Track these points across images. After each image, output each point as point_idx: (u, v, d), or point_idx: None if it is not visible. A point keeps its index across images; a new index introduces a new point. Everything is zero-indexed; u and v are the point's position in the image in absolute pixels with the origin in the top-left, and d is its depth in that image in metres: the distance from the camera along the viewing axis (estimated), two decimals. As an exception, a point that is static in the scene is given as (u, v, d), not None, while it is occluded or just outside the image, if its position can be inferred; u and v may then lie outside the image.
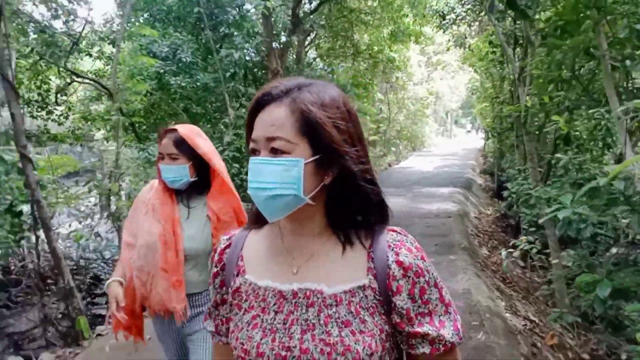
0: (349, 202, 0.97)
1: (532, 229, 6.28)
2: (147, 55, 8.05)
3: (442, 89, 33.57)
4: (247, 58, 9.17)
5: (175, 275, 1.92)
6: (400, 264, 0.92)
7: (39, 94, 9.34)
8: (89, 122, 9.25)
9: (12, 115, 3.18)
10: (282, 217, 0.95)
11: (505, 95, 10.31)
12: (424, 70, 27.87)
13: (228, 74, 7.83)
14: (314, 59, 16.37)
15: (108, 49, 9.11)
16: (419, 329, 0.91)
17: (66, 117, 9.61)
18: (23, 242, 4.93)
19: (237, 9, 7.81)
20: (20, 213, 3.61)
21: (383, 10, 14.75)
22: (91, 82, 7.92)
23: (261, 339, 0.94)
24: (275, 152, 0.91)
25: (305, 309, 0.94)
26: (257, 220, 1.05)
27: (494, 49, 8.59)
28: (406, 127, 26.11)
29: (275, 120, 0.92)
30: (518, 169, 7.77)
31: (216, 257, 1.07)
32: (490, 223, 9.15)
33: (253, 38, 8.41)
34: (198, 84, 9.12)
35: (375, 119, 21.25)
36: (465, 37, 13.73)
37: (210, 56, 9.85)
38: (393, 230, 0.98)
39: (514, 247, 4.74)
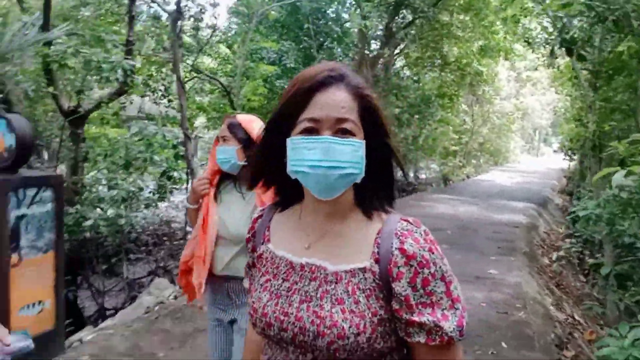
0: (380, 182, 1.04)
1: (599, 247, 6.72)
2: (255, 60, 9.29)
3: (531, 104, 32.91)
4: (343, 67, 10.21)
5: (199, 252, 2.04)
6: (403, 251, 0.94)
7: (162, 85, 10.93)
8: (201, 111, 10.65)
9: (181, 105, 4.35)
10: (337, 196, 0.98)
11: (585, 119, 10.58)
12: (513, 86, 27.59)
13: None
14: (402, 67, 17.05)
15: (222, 50, 10.50)
16: (416, 318, 0.92)
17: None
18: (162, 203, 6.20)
19: (340, 26, 8.83)
20: (171, 177, 4.80)
21: (474, 25, 15.10)
22: (212, 79, 9.24)
23: (267, 301, 1.01)
24: (344, 133, 0.94)
25: (308, 281, 1.00)
26: (283, 203, 1.12)
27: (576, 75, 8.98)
28: (489, 140, 26.03)
29: (344, 102, 0.95)
30: (589, 189, 8.16)
31: (250, 225, 1.17)
32: (559, 239, 9.52)
33: (350, 50, 9.41)
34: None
35: (458, 130, 21.58)
36: (556, 57, 13.87)
37: (311, 62, 11.02)
38: (405, 220, 1.00)
39: (560, 249, 5.33)
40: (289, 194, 1.09)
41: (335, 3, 9.09)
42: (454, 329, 0.92)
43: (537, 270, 6.11)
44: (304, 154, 0.95)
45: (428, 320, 0.91)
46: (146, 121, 6.76)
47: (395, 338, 0.97)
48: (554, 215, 12.34)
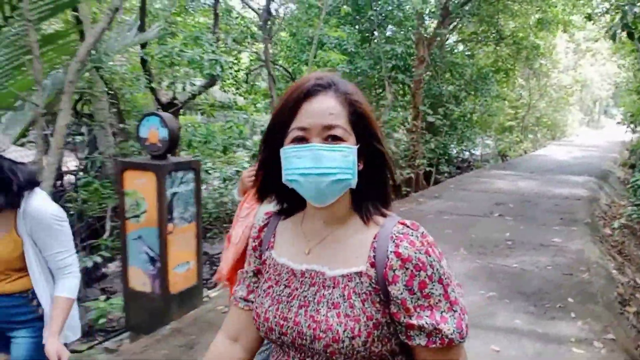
0: (375, 188, 1.05)
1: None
2: (311, 44, 9.82)
3: (591, 76, 31.81)
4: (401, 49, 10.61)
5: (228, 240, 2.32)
6: (398, 255, 0.95)
7: (230, 73, 11.70)
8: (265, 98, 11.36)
9: (271, 96, 4.99)
10: (331, 202, 0.99)
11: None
12: (572, 57, 26.81)
13: (389, 65, 9.36)
14: (455, 42, 17.07)
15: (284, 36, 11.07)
16: (415, 321, 0.93)
17: (249, 93, 11.86)
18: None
19: (401, 11, 9.25)
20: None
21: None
22: (278, 66, 9.90)
23: (269, 307, 1.03)
24: (334, 139, 0.96)
25: (307, 287, 1.01)
26: (286, 212, 1.14)
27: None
28: (546, 114, 25.57)
29: (332, 109, 0.96)
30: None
31: (255, 233, 1.17)
32: (620, 211, 9.68)
33: (408, 31, 9.81)
34: (358, 70, 10.80)
35: (514, 105, 21.41)
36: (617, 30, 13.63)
37: (368, 45, 11.48)
38: (403, 223, 1.01)
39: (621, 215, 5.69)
40: (292, 202, 1.10)
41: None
42: (453, 331, 0.93)
43: (599, 239, 6.47)
44: (294, 163, 0.97)
45: (427, 323, 0.92)
46: (236, 110, 7.52)
47: (397, 341, 0.98)
48: (615, 188, 12.36)
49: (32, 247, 1.89)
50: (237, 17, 9.84)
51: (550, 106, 25.52)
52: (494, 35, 16.11)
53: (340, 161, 0.95)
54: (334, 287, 0.98)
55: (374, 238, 0.99)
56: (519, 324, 3.72)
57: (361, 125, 0.99)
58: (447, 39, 15.82)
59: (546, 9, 15.36)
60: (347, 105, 0.98)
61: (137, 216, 3.67)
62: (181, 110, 9.33)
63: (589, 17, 12.07)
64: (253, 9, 7.38)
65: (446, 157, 14.27)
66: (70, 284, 1.93)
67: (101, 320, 4.97)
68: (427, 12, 11.09)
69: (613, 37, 5.16)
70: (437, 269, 0.94)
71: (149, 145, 3.69)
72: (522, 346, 3.38)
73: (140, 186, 3.65)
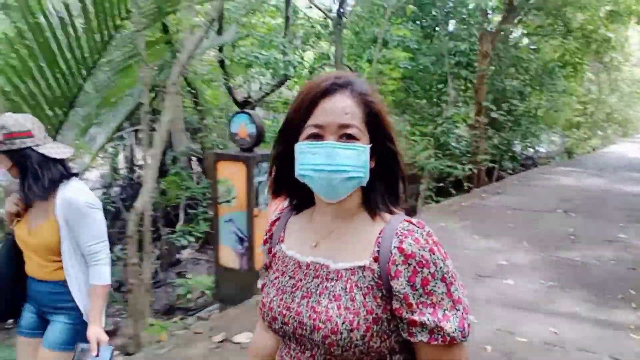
0: (386, 186, 1.07)
1: None
2: (374, 42, 10.08)
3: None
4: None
5: None
6: (401, 250, 0.96)
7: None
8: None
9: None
10: (342, 198, 1.02)
11: None
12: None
13: (453, 61, 9.51)
14: (520, 36, 16.71)
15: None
16: (417, 317, 0.94)
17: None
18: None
19: (465, 7, 9.37)
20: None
21: None
22: (344, 65, 10.27)
23: (273, 297, 1.07)
24: (348, 138, 0.98)
25: (311, 279, 1.04)
26: (298, 207, 1.16)
27: None
28: (617, 110, 24.52)
29: (348, 109, 0.98)
30: None
31: (267, 227, 1.21)
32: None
33: (472, 27, 9.91)
34: (420, 66, 11.00)
35: (582, 100, 20.72)
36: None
37: (430, 41, 11.62)
38: (408, 221, 1.02)
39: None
40: (303, 197, 1.12)
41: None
42: (455, 329, 0.93)
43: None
44: (308, 159, 0.99)
45: (429, 320, 0.93)
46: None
47: (396, 339, 0.99)
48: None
49: (67, 234, 1.99)
50: (303, 18, 10.28)
51: (622, 101, 24.46)
52: (561, 28, 15.68)
53: (354, 159, 0.97)
54: (336, 280, 1.00)
55: (380, 233, 1.01)
56: (579, 311, 3.92)
57: (375, 125, 1.01)
58: (511, 33, 15.58)
59: (617, 0, 14.81)
60: (362, 105, 1.00)
61: (228, 201, 4.17)
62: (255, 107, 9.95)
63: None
64: (324, 12, 7.77)
65: (509, 154, 14.15)
66: (100, 271, 2.02)
67: (188, 295, 5.57)
68: (490, 7, 11.10)
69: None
70: (441, 267, 0.95)
71: (239, 140, 4.17)
72: (581, 330, 3.59)
73: (231, 175, 4.15)
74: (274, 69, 6.48)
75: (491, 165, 12.11)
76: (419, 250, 0.95)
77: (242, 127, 4.13)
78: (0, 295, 2.12)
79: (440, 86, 12.46)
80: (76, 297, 2.01)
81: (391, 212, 1.05)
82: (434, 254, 0.96)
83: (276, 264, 1.13)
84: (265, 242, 1.21)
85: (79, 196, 1.98)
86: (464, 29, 9.57)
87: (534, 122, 14.47)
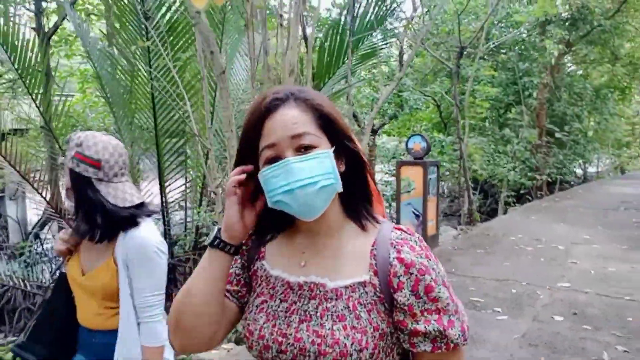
0: (359, 188, 1.04)
1: None
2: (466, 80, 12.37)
3: None
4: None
5: None
6: (401, 260, 0.94)
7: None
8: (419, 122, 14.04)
9: (457, 121, 7.64)
10: (321, 213, 0.96)
11: None
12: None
13: (526, 93, 11.74)
14: (570, 64, 18.57)
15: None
16: (422, 326, 0.92)
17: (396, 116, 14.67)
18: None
19: (536, 51, 11.62)
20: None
21: None
22: (428, 96, 12.58)
23: (263, 323, 0.99)
24: (305, 148, 0.94)
25: (307, 300, 0.98)
26: (275, 229, 1.09)
27: None
28: (666, 130, 25.84)
29: (295, 118, 0.94)
30: None
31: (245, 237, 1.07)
32: None
33: (540, 66, 12.13)
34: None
35: (632, 121, 22.33)
36: None
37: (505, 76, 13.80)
38: (399, 229, 1.00)
39: None
40: (280, 221, 1.05)
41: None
42: (458, 335, 0.93)
43: None
44: (273, 183, 0.94)
45: (434, 328, 0.92)
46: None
47: (398, 350, 0.98)
48: None
49: (126, 279, 1.72)
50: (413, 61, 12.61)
51: (670, 121, 25.79)
52: (608, 57, 17.46)
53: (318, 168, 0.93)
54: (336, 299, 0.96)
55: (373, 245, 0.99)
56: (622, 256, 6.04)
57: (330, 127, 0.97)
58: (565, 65, 17.56)
59: (663, 30, 16.49)
60: (311, 110, 0.96)
61: (408, 191, 6.53)
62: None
63: None
64: (443, 63, 10.10)
65: (569, 169, 16.07)
66: (157, 330, 1.73)
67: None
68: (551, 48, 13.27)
69: None
70: (439, 272, 0.95)
71: (414, 152, 6.55)
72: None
73: (411, 174, 6.52)
74: (398, 106, 8.80)
75: (555, 177, 14.10)
76: (417, 258, 0.94)
77: (417, 143, 6.52)
78: (55, 342, 1.83)
79: (502, 111, 14.58)
80: (129, 348, 1.72)
81: (376, 221, 1.04)
82: (430, 260, 0.96)
83: (259, 284, 1.06)
84: (242, 254, 1.11)
85: (149, 237, 1.73)
86: (535, 66, 11.79)
87: (590, 141, 16.33)
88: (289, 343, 0.96)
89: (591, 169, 20.87)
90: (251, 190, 1.02)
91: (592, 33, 14.76)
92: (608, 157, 21.85)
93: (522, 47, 11.54)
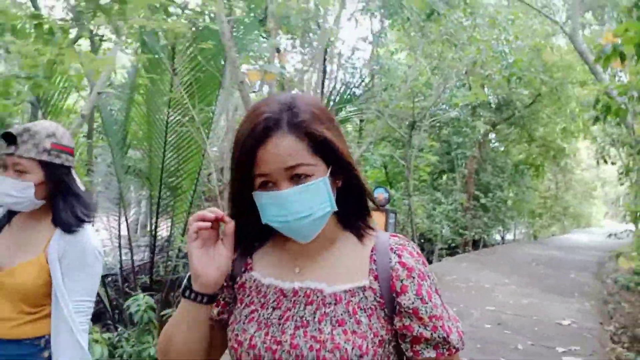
0: (356, 199, 1.05)
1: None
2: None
3: (612, 173, 35.82)
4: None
5: None
6: (403, 264, 0.96)
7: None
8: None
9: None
10: (317, 234, 0.97)
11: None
12: (594, 158, 31.04)
13: (459, 162, 13.93)
14: (494, 142, 21.42)
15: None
16: (429, 333, 0.94)
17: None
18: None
19: (468, 129, 13.96)
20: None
21: (558, 112, 19.38)
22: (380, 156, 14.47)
23: (255, 332, 0.97)
24: (299, 177, 0.93)
25: (303, 306, 0.97)
26: (262, 237, 1.09)
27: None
28: (572, 205, 29.52)
29: (289, 149, 0.93)
30: None
31: None
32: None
33: (472, 141, 14.44)
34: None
35: (543, 195, 25.55)
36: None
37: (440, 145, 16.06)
38: (395, 236, 1.03)
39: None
40: (265, 230, 1.03)
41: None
42: (457, 340, 0.96)
43: (594, 275, 10.50)
44: (269, 209, 0.95)
45: (440, 334, 0.94)
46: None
47: (398, 357, 0.99)
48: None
49: (61, 279, 1.52)
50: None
51: (575, 199, 29.50)
52: (526, 138, 20.39)
53: (313, 200, 0.94)
54: (335, 304, 0.96)
55: (372, 251, 1.00)
56: (532, 294, 7.83)
57: (326, 150, 0.96)
58: (490, 141, 20.33)
59: (570, 121, 19.65)
60: (305, 137, 0.94)
61: (371, 232, 8.06)
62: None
63: (604, 159, 15.03)
64: (397, 131, 11.93)
65: (490, 232, 18.41)
66: (80, 345, 1.53)
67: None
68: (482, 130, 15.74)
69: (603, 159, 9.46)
70: (433, 279, 0.99)
71: (378, 201, 8.15)
72: (550, 301, 7.48)
73: (375, 218, 8.06)
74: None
75: (479, 237, 16.26)
76: (416, 263, 0.98)
77: (380, 194, 8.13)
78: None
79: (441, 178, 16.76)
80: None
81: (371, 229, 1.06)
82: (426, 266, 0.99)
83: (248, 295, 1.04)
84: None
85: (92, 239, 1.59)
86: (466, 141, 14.08)
87: (509, 209, 18.85)
88: (284, 350, 0.94)
89: (509, 236, 23.50)
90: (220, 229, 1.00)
91: (513, 117, 17.54)
92: (523, 226, 24.71)
93: (457, 124, 13.78)
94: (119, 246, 7.54)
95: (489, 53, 8.39)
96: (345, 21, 6.53)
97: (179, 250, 7.86)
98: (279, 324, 0.98)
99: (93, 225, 1.70)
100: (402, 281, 0.96)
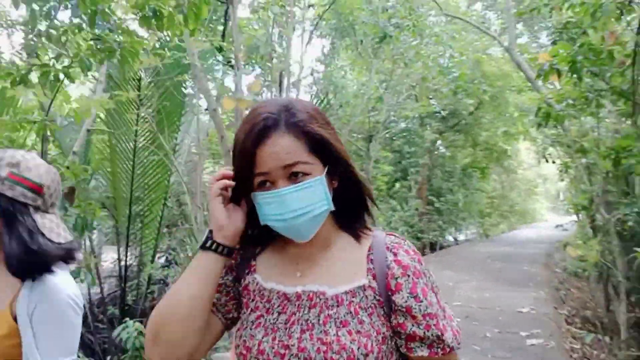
0: (353, 199, 1.06)
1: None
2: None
3: (552, 170, 38.01)
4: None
5: None
6: (398, 262, 0.97)
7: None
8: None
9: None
10: (314, 234, 1.00)
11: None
12: (534, 156, 32.94)
13: (412, 170, 14.62)
14: (441, 149, 22.42)
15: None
16: (422, 331, 0.95)
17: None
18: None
19: (419, 138, 14.68)
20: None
21: (498, 117, 20.58)
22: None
23: (262, 337, 0.99)
24: (296, 176, 0.96)
25: (307, 310, 0.99)
26: (261, 241, 1.12)
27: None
28: (517, 203, 31.11)
29: (287, 148, 0.95)
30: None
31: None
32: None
33: (422, 150, 15.18)
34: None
35: (490, 196, 26.86)
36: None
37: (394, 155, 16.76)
38: (391, 234, 1.05)
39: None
40: (268, 232, 1.07)
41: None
42: (452, 339, 0.98)
43: (544, 266, 11.33)
44: (266, 209, 0.98)
45: (433, 333, 0.96)
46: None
47: (397, 356, 1.01)
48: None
49: (33, 340, 1.28)
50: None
51: (520, 197, 31.13)
52: (470, 142, 21.49)
53: (310, 198, 0.96)
54: (338, 306, 0.98)
55: (369, 250, 1.03)
56: (491, 287, 8.46)
57: (323, 149, 0.99)
58: (438, 149, 21.30)
59: (510, 124, 20.88)
60: (302, 136, 0.97)
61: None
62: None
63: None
64: (355, 145, 12.46)
65: (445, 234, 19.26)
66: None
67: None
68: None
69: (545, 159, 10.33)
70: (429, 277, 1.00)
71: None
72: (503, 292, 8.10)
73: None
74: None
75: (435, 240, 17.00)
76: (412, 261, 1.00)
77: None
78: None
79: (397, 186, 17.46)
80: None
81: (369, 228, 1.08)
82: (421, 264, 1.00)
83: (252, 299, 1.07)
84: (231, 269, 1.11)
85: (64, 287, 1.34)
86: (418, 149, 14.82)
87: (460, 211, 19.77)
88: (292, 354, 0.96)
89: (461, 237, 24.51)
90: (235, 195, 1.04)
91: (458, 124, 18.52)
92: (474, 226, 25.83)
93: (408, 134, 14.50)
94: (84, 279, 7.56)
95: (435, 68, 9.04)
96: (299, 43, 6.89)
97: (149, 278, 7.96)
98: (286, 328, 0.99)
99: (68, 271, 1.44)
100: (396, 279, 0.98)
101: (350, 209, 1.08)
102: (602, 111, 5.72)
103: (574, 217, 11.03)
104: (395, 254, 1.01)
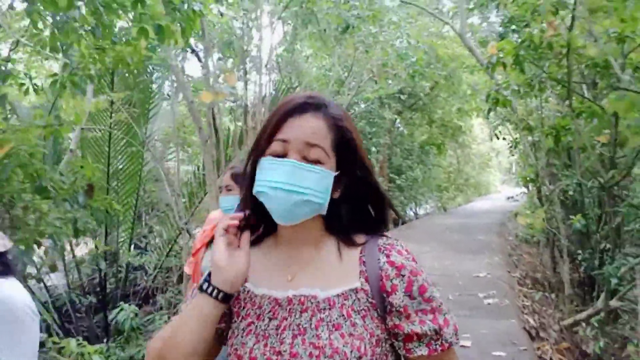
0: (354, 210, 1.05)
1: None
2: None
3: (503, 144, 39.69)
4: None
5: None
6: (392, 264, 0.97)
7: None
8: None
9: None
10: (296, 223, 0.98)
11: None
12: (487, 131, 34.35)
13: (374, 150, 15.26)
14: (399, 127, 23.26)
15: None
16: (418, 328, 0.94)
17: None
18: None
19: (379, 119, 15.30)
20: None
21: (451, 96, 21.45)
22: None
23: (254, 345, 0.97)
24: (314, 162, 0.95)
25: (299, 314, 0.98)
26: (256, 235, 1.09)
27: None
28: (472, 177, 32.50)
29: (317, 129, 0.96)
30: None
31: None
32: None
33: (383, 130, 15.81)
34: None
35: (447, 170, 28.01)
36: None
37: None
38: (383, 236, 1.04)
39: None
40: (262, 224, 1.07)
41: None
42: (452, 334, 0.97)
43: (497, 235, 12.25)
44: (268, 175, 0.95)
45: (430, 328, 0.95)
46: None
47: (392, 359, 1.00)
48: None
49: None
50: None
51: (474, 170, 32.51)
52: (427, 120, 22.34)
53: (314, 182, 0.95)
54: (330, 309, 0.97)
55: (361, 252, 1.02)
56: (451, 256, 9.22)
57: (347, 153, 0.99)
58: (398, 128, 22.07)
59: (463, 102, 21.79)
60: (334, 129, 0.98)
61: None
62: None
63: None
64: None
65: (406, 210, 20.14)
66: None
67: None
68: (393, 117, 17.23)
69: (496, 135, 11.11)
70: (425, 275, 1.00)
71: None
72: (459, 260, 8.86)
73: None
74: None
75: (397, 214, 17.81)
76: (405, 260, 0.99)
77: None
78: None
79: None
80: None
81: (385, 235, 1.07)
82: (416, 262, 1.00)
83: (243, 308, 1.04)
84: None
85: (15, 295, 1.37)
86: (379, 130, 15.45)
87: (420, 186, 20.67)
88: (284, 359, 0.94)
89: (421, 211, 25.52)
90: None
91: (415, 104, 19.25)
92: (432, 200, 26.93)
93: (369, 116, 15.10)
94: (65, 267, 7.82)
95: (394, 55, 9.54)
96: (263, 29, 7.19)
97: (128, 264, 8.26)
98: (277, 334, 0.98)
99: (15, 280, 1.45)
100: (391, 280, 0.97)
101: (348, 220, 1.08)
102: (546, 92, 6.40)
103: (524, 189, 11.97)
104: (387, 256, 1.01)
